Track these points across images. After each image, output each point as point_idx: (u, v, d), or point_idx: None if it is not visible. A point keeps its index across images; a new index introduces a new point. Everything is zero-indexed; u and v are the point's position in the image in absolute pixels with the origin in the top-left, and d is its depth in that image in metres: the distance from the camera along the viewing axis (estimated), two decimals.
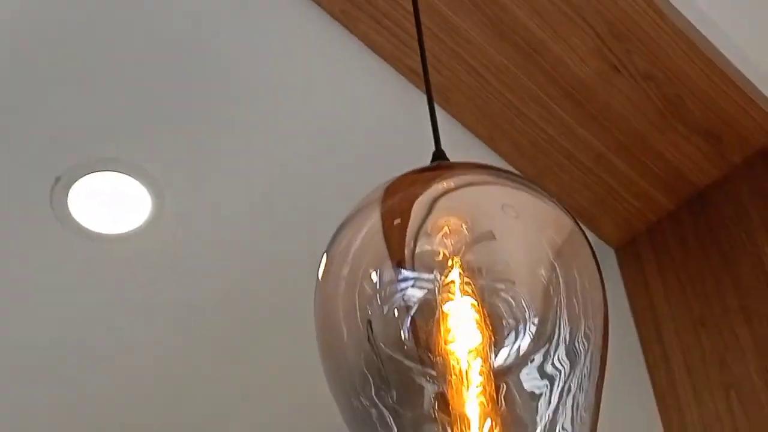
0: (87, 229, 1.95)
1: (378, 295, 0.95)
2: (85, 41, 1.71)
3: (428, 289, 0.94)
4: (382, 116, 1.83)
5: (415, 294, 0.95)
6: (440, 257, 0.95)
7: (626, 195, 1.89)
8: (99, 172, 1.86)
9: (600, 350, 0.98)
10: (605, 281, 1.94)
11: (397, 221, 0.99)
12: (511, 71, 1.70)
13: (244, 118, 1.84)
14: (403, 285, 0.95)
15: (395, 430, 0.93)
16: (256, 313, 2.20)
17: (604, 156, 1.83)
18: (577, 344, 0.95)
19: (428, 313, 0.94)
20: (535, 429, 0.92)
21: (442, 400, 0.92)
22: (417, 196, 0.99)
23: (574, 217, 1.01)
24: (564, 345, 0.94)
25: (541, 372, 0.93)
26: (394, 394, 0.93)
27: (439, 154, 1.09)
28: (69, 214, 1.91)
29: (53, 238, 1.97)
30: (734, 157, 1.85)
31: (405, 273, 0.95)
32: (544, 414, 0.92)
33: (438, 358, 0.92)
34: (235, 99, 1.80)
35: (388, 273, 0.96)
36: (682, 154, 1.84)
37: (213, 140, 1.86)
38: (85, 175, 1.85)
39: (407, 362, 0.93)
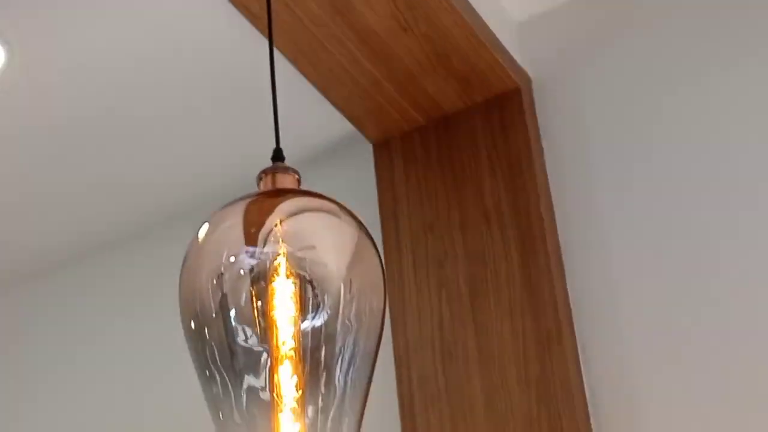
0: None
1: (229, 260, 1.45)
2: None
3: (260, 260, 1.46)
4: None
5: (251, 262, 1.45)
6: (274, 247, 1.46)
7: (390, 110, 2.42)
8: None
9: (377, 330, 1.46)
10: (363, 171, 2.51)
11: (253, 230, 1.48)
12: (324, 20, 2.14)
13: None
14: (245, 256, 1.45)
15: (218, 357, 1.41)
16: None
17: (380, 83, 2.33)
18: (359, 322, 1.48)
19: (261, 284, 1.45)
20: (323, 380, 1.46)
21: (264, 351, 1.45)
22: (267, 214, 1.48)
23: (368, 233, 1.53)
24: (349, 322, 1.47)
25: (331, 340, 1.46)
26: (227, 333, 1.43)
27: (277, 154, 1.57)
28: None
29: None
30: (477, 96, 2.40)
31: (249, 248, 1.45)
32: (330, 370, 1.46)
33: (262, 320, 1.45)
34: None
35: (241, 249, 1.46)
36: (438, 88, 2.37)
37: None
38: None
39: (241, 320, 1.44)
